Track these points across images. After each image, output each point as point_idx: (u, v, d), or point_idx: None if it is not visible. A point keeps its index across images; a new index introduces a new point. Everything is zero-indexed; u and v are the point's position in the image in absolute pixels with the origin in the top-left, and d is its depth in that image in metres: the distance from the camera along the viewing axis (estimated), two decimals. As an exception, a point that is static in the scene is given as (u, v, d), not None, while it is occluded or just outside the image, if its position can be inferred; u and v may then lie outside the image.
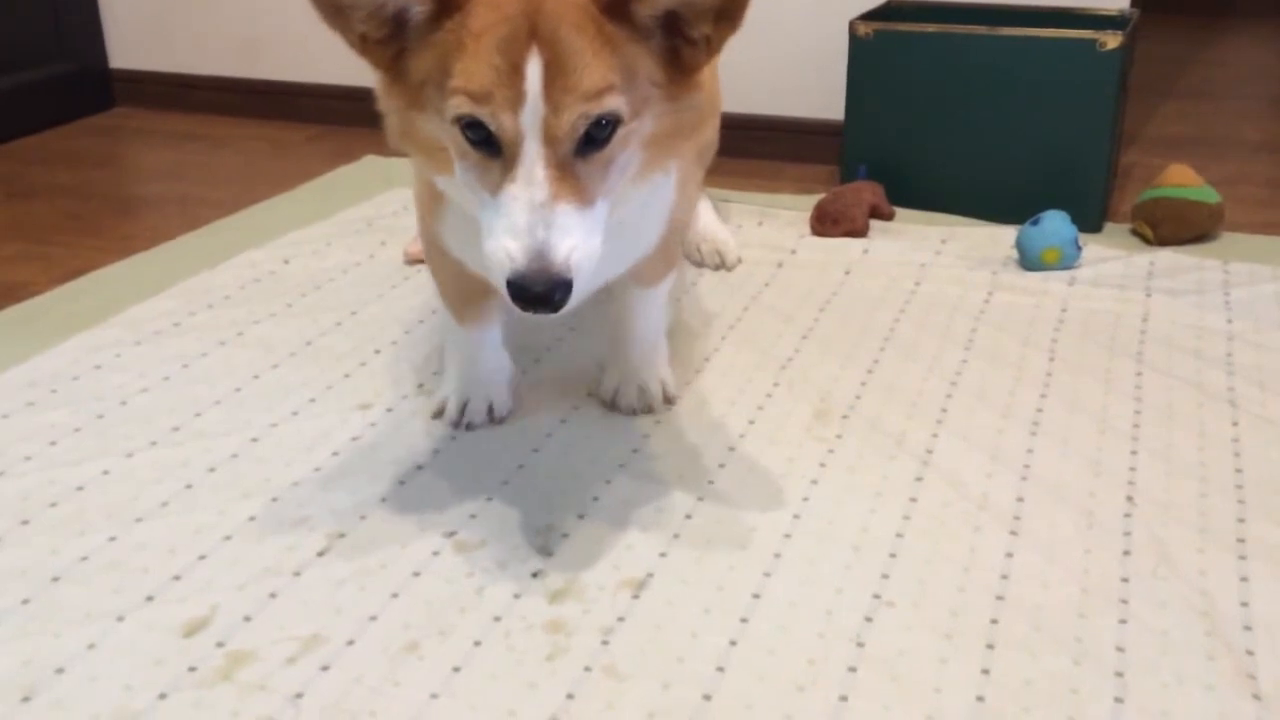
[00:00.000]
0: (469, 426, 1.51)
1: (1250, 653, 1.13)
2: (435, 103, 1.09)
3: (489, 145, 1.07)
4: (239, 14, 3.00)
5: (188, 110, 3.09)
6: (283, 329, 1.80)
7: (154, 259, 2.08)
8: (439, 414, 1.53)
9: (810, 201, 2.24)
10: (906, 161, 2.31)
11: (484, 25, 1.05)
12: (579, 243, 1.06)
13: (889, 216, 2.25)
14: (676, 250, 1.50)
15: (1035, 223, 2.02)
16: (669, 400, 1.57)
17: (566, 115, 1.04)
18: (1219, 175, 2.45)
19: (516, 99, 1.04)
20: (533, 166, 1.05)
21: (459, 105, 1.06)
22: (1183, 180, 2.14)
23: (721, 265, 2.02)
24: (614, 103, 1.06)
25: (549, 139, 1.05)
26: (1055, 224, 2.01)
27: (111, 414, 1.55)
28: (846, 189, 2.22)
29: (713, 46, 1.12)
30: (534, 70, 1.03)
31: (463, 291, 1.44)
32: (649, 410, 1.55)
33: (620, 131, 1.08)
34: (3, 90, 2.84)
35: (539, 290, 1.04)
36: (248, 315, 1.84)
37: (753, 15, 1.10)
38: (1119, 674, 1.10)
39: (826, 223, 2.17)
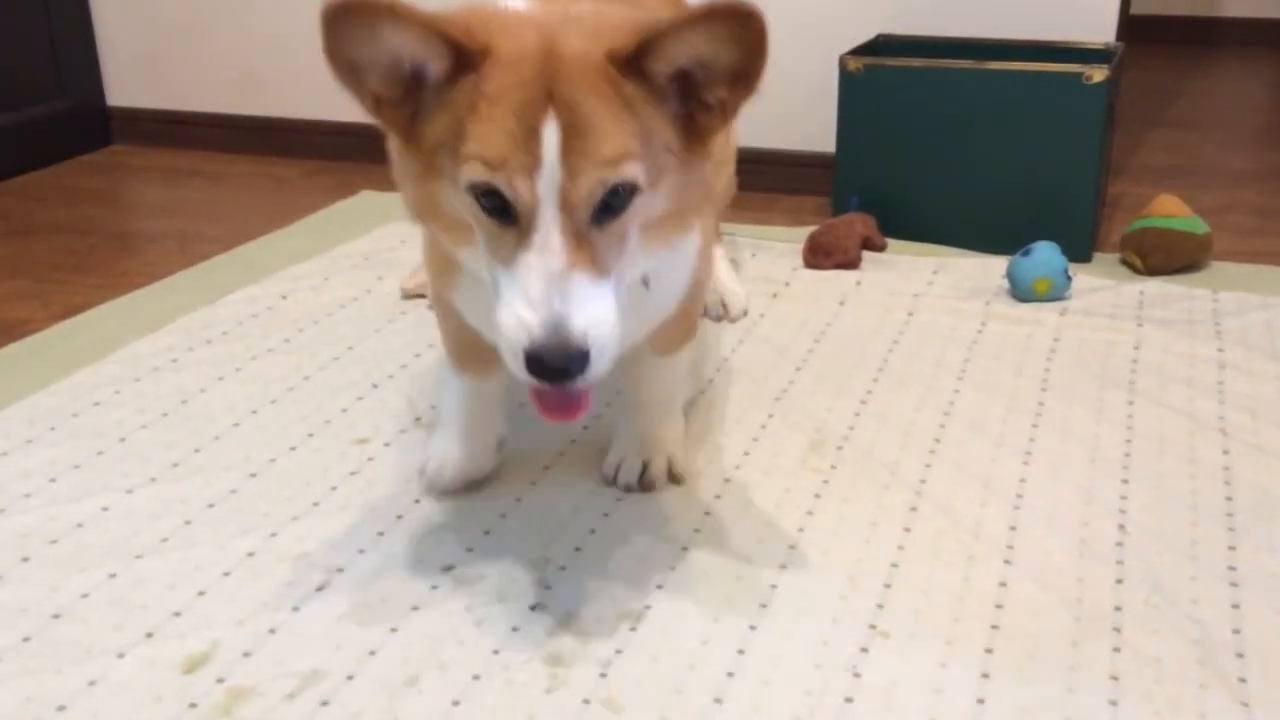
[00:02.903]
0: (440, 488, 1.45)
1: (1243, 680, 1.14)
2: (449, 169, 1.06)
3: (503, 213, 1.04)
4: (236, 51, 3.03)
5: (185, 147, 3.11)
6: (280, 364, 1.81)
7: (152, 295, 2.10)
8: (423, 471, 1.48)
9: (803, 234, 2.26)
10: (898, 193, 2.33)
11: (499, 88, 1.03)
12: (596, 316, 1.03)
13: (881, 248, 2.27)
14: (696, 315, 1.45)
15: (1026, 253, 2.04)
16: (675, 480, 1.48)
17: (584, 181, 1.02)
18: (1206, 204, 2.48)
19: (533, 165, 1.01)
20: (549, 234, 1.03)
21: (473, 171, 1.03)
22: (1171, 210, 2.16)
23: (724, 316, 1.98)
24: (632, 170, 1.04)
25: (566, 206, 1.03)
26: (1045, 254, 2.03)
27: (111, 450, 1.56)
28: (839, 221, 2.24)
29: (728, 111, 1.09)
30: (551, 135, 1.01)
31: (468, 346, 1.39)
32: (650, 489, 1.46)
33: (636, 201, 1.06)
34: (0, 128, 2.86)
35: (557, 363, 1.02)
36: (246, 351, 1.86)
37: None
38: (1113, 702, 1.11)
39: (819, 255, 2.19)
